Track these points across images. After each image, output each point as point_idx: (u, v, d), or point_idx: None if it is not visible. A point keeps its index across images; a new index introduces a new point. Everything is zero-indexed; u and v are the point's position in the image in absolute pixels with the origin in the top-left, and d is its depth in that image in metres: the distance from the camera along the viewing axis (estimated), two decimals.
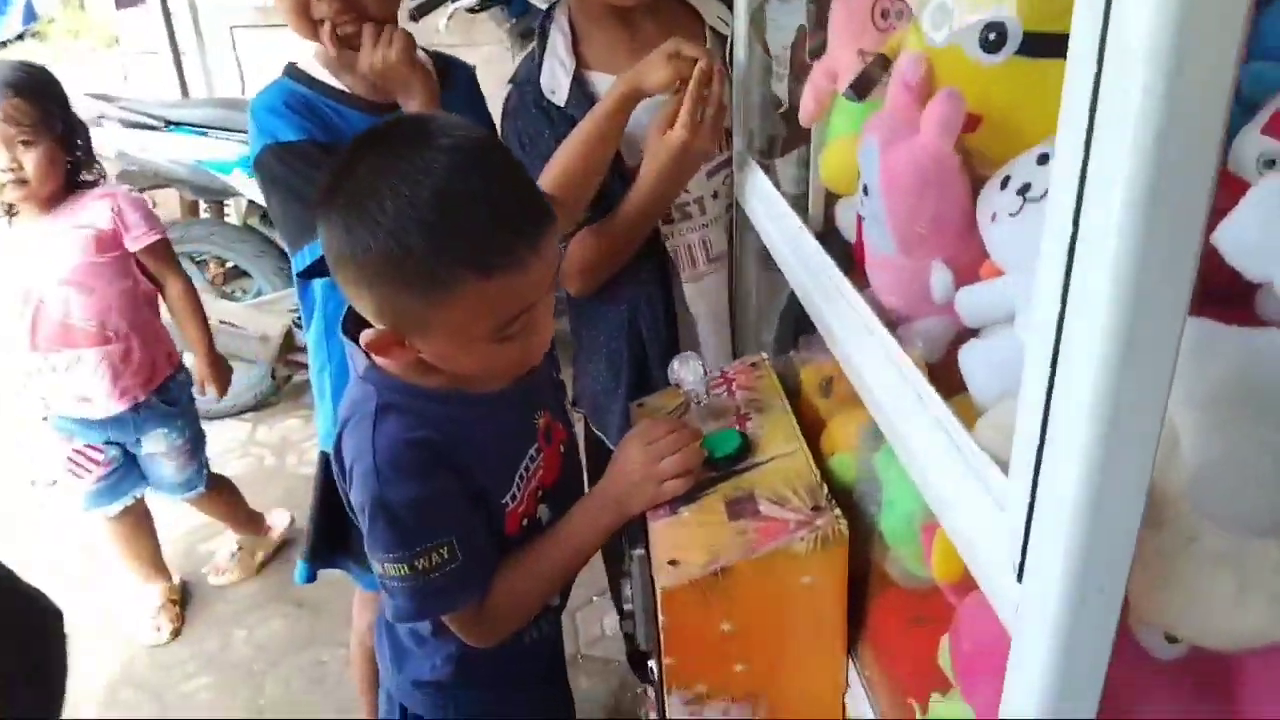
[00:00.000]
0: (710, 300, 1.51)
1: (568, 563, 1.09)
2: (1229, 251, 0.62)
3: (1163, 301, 0.47)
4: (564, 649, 1.34)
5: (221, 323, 3.18)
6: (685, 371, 1.15)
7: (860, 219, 1.04)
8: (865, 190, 0.86)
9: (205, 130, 3.05)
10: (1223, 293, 0.64)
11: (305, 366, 3.43)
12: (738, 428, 1.12)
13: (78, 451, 2.25)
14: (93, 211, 2.09)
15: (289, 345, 3.31)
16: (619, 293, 1.45)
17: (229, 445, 3.32)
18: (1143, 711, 0.66)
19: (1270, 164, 0.70)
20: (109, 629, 2.47)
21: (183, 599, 2.57)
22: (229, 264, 3.40)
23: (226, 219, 3.49)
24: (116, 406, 2.19)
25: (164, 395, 2.30)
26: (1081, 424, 0.51)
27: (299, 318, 3.26)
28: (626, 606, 1.28)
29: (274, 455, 3.29)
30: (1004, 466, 0.63)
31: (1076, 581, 0.54)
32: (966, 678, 0.73)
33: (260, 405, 3.51)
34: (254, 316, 3.26)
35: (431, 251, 0.85)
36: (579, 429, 1.48)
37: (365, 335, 0.95)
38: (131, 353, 2.19)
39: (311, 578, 1.67)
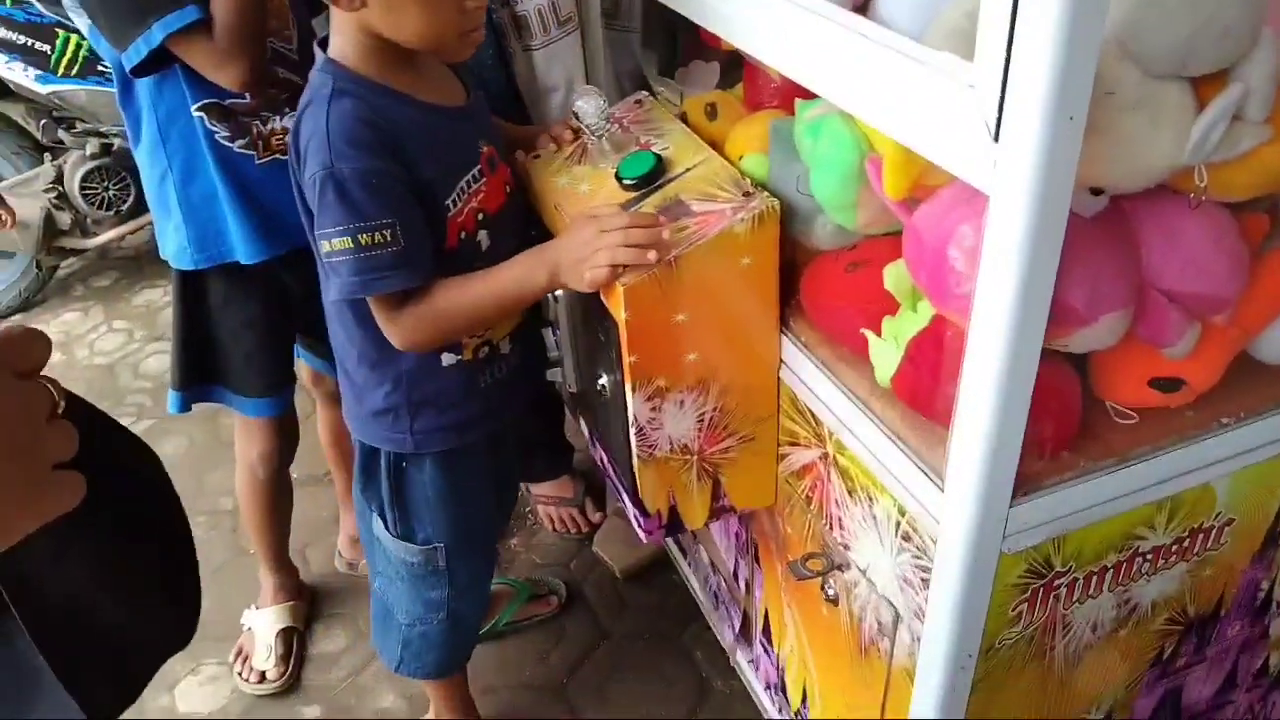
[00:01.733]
0: (566, 64, 1.53)
1: (496, 302, 1.13)
2: None
3: None
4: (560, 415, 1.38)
5: None
6: (586, 104, 1.19)
7: None
8: None
9: None
10: None
11: (75, 253, 3.16)
12: (647, 150, 1.19)
13: None
14: None
15: (52, 231, 3.01)
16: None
17: None
18: (1081, 260, 0.81)
19: None
20: None
21: None
22: None
23: None
24: None
25: None
26: None
27: (57, 197, 2.97)
28: (552, 355, 1.36)
29: (60, 352, 3.01)
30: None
31: (1053, 112, 0.66)
32: (932, 272, 0.86)
33: (28, 305, 3.19)
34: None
35: None
36: None
37: None
38: None
39: (185, 407, 1.62)
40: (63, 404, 0.49)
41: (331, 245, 1.05)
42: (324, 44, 1.11)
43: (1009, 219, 0.72)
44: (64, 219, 2.99)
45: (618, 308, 1.06)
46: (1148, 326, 0.87)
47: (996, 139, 0.71)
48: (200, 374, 1.61)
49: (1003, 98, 0.69)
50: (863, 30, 0.84)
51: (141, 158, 1.47)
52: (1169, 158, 0.77)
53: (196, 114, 1.38)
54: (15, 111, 2.97)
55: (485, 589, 1.54)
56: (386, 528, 1.35)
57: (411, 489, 1.32)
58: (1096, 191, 0.81)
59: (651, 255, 1.01)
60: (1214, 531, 1.03)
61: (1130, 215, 0.86)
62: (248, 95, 1.36)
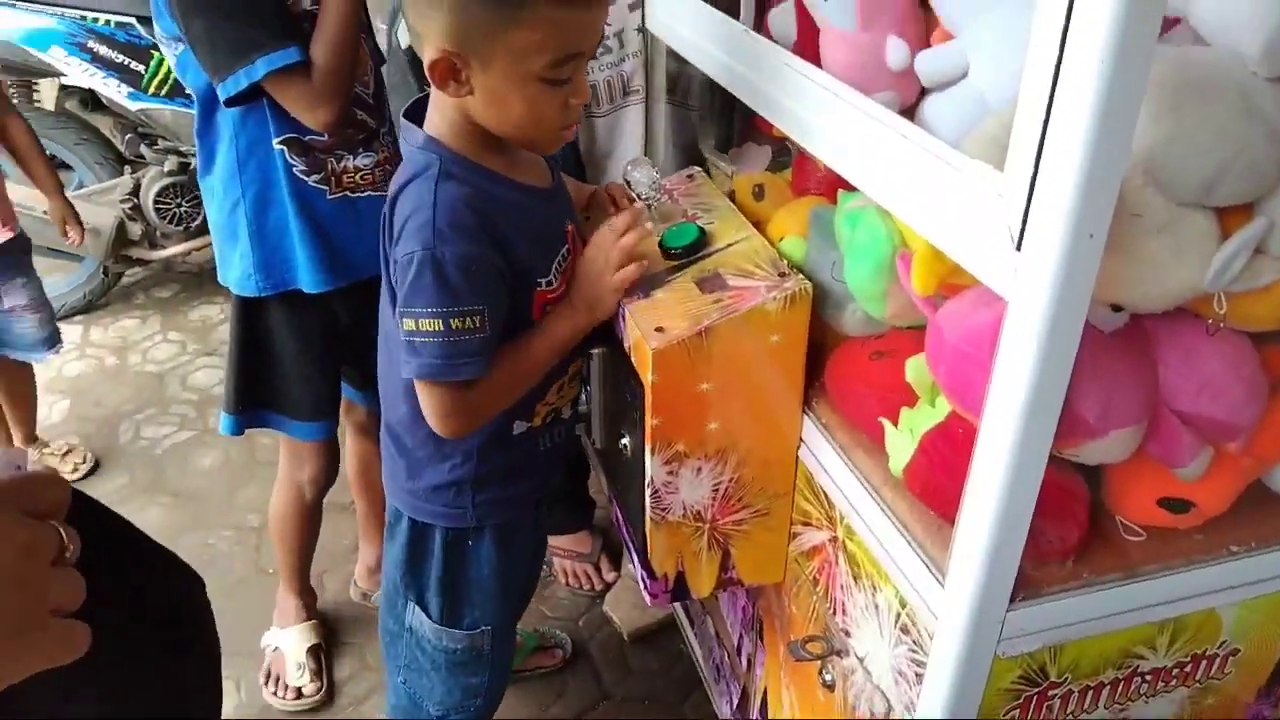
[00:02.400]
0: (627, 134, 1.59)
1: (544, 358, 1.16)
2: None
3: (1145, 20, 0.62)
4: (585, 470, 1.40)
5: (45, 214, 2.96)
6: (639, 173, 1.24)
7: (800, 20, 1.16)
8: None
9: (14, 2, 2.79)
10: None
11: (141, 263, 3.28)
12: (692, 223, 1.23)
13: None
14: None
15: (122, 239, 3.13)
16: None
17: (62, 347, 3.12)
18: (1096, 373, 0.83)
19: None
20: None
21: None
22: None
23: (37, 104, 3.21)
24: None
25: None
26: (1082, 110, 0.65)
27: (131, 208, 3.10)
28: (582, 409, 1.39)
29: (115, 356, 3.12)
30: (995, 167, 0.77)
31: (1074, 228, 0.69)
32: (951, 370, 0.88)
33: (90, 307, 3.30)
34: (81, 208, 3.03)
35: None
36: None
37: (428, 57, 0.98)
38: None
39: (238, 430, 1.67)
40: (74, 550, 0.47)
41: (419, 325, 1.04)
42: (411, 114, 1.12)
43: (1025, 326, 0.74)
44: (135, 229, 3.11)
45: (645, 370, 1.09)
46: (1159, 445, 0.88)
47: (1019, 248, 0.74)
48: (254, 399, 1.65)
49: (1027, 209, 0.72)
50: (904, 131, 0.87)
51: (214, 185, 1.53)
52: (1189, 283, 0.79)
53: (278, 146, 1.45)
54: (104, 124, 3.12)
55: (511, 670, 1.52)
56: (429, 615, 1.32)
57: (469, 568, 1.30)
58: (1117, 308, 0.83)
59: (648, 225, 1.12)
60: (1218, 660, 1.02)
61: (1151, 334, 0.87)
62: (327, 134, 1.43)
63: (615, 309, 1.15)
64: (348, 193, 1.50)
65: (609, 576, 2.13)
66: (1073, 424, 0.82)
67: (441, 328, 1.02)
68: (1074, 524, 0.91)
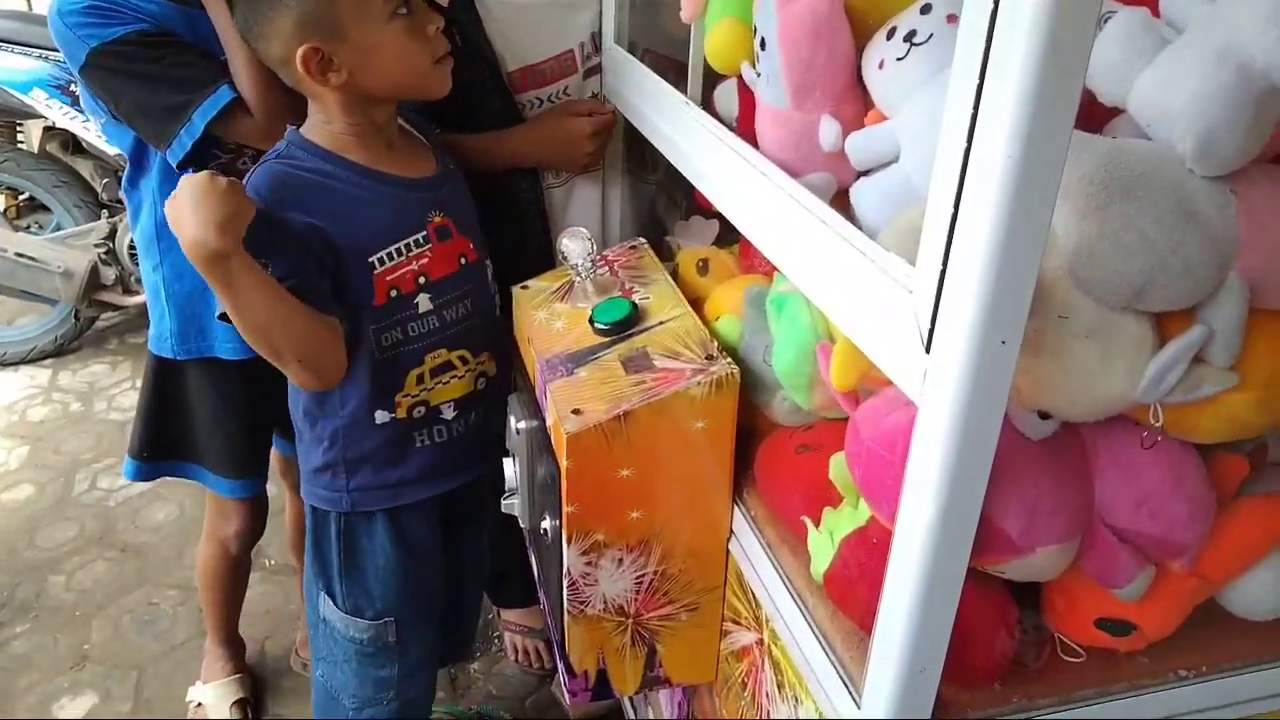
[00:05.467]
0: (584, 204, 1.55)
1: None
2: (1091, 75, 0.73)
3: (1058, 108, 0.56)
4: (483, 496, 1.40)
5: (18, 255, 2.94)
6: (573, 245, 1.19)
7: (741, 96, 1.11)
8: (763, 44, 0.93)
9: None
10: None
11: (115, 308, 3.23)
12: (626, 298, 1.17)
13: None
14: None
15: (94, 283, 3.09)
16: None
17: (28, 391, 3.07)
18: (1021, 483, 0.76)
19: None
20: None
21: None
22: (24, 195, 3.12)
23: (20, 145, 3.19)
24: None
25: None
26: (988, 209, 0.59)
27: (106, 253, 3.06)
28: (509, 486, 1.32)
29: (80, 402, 3.06)
30: (909, 261, 0.71)
31: (984, 333, 0.63)
32: (866, 473, 0.81)
33: (62, 350, 3.25)
34: (55, 251, 3.01)
35: None
36: None
37: (298, 61, 1.10)
38: None
39: (142, 477, 1.64)
40: None
41: None
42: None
43: (934, 434, 0.67)
44: (109, 274, 3.08)
45: (561, 453, 1.02)
46: (1095, 564, 0.81)
47: (928, 350, 0.68)
48: (171, 450, 1.61)
49: (936, 309, 0.66)
50: (823, 217, 0.82)
51: (139, 243, 1.51)
52: (1120, 393, 0.72)
53: None
54: (85, 167, 3.11)
55: (432, 676, 1.52)
56: (336, 604, 1.35)
57: (363, 556, 1.33)
58: (1045, 415, 0.77)
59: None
60: None
61: (1088, 443, 0.81)
62: None
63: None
64: None
65: None
66: (994, 539, 0.76)
67: None
68: (999, 644, 0.84)
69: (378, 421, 1.25)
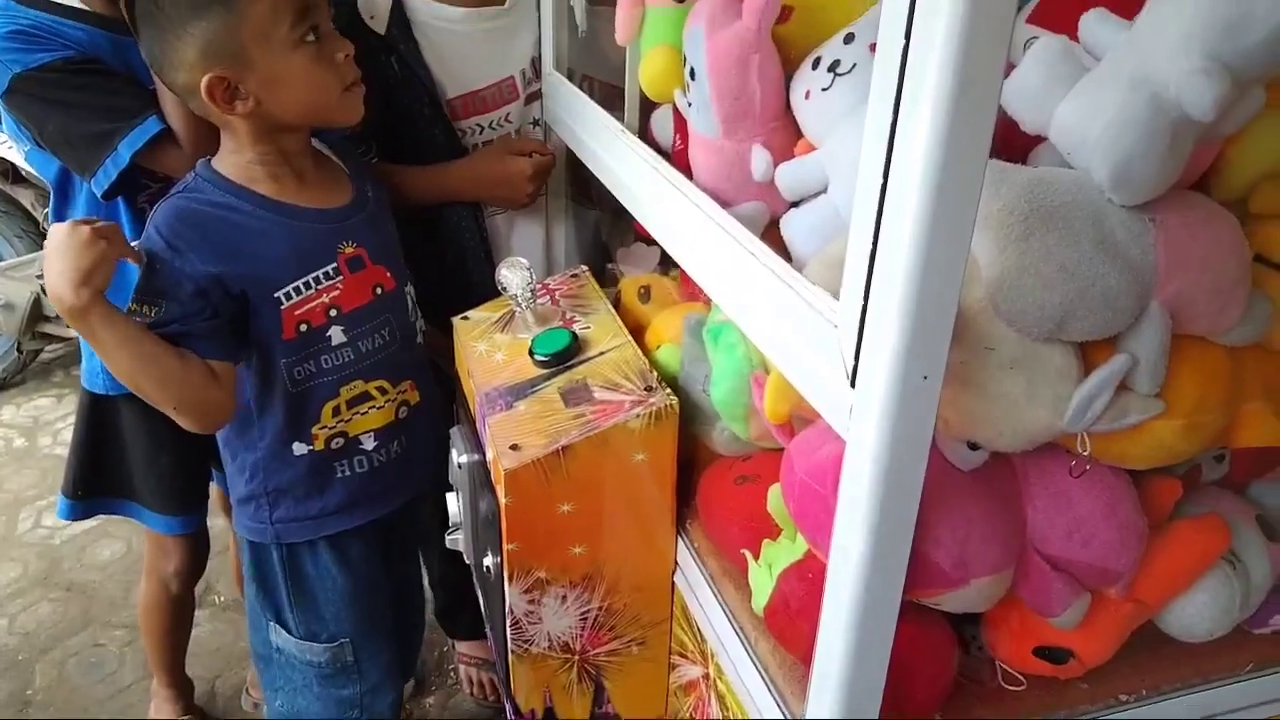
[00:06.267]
0: (527, 232, 1.53)
1: None
2: (1013, 103, 0.73)
3: (971, 141, 0.56)
4: (422, 517, 1.41)
5: None
6: (513, 275, 1.17)
7: (677, 124, 1.11)
8: (692, 74, 0.92)
9: None
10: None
11: (59, 340, 3.16)
12: (566, 329, 1.16)
13: None
14: None
15: (37, 315, 3.02)
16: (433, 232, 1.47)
17: None
18: (952, 515, 0.76)
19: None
20: None
21: None
22: None
23: None
24: None
25: None
26: (905, 243, 0.59)
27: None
28: (453, 521, 1.30)
29: (24, 437, 2.99)
30: (834, 294, 0.70)
31: (905, 368, 0.62)
32: (800, 506, 0.80)
33: (4, 384, 3.17)
34: None
35: None
36: None
37: (205, 85, 1.06)
38: None
39: (76, 516, 1.60)
40: None
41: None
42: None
43: (861, 468, 0.67)
44: (51, 306, 3.01)
45: (500, 489, 1.01)
46: (1029, 592, 0.81)
47: (853, 385, 0.67)
48: (106, 487, 1.57)
49: (859, 344, 0.66)
50: (751, 248, 0.81)
51: None
52: (1048, 422, 0.72)
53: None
54: (26, 196, 3.04)
55: (398, 688, 1.49)
56: (290, 632, 1.34)
57: (310, 583, 1.32)
58: (974, 446, 0.76)
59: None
60: None
61: (1019, 472, 0.81)
62: None
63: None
64: None
65: None
66: (928, 572, 0.75)
67: (133, 308, 1.09)
68: (938, 676, 0.83)
69: (296, 453, 1.23)
